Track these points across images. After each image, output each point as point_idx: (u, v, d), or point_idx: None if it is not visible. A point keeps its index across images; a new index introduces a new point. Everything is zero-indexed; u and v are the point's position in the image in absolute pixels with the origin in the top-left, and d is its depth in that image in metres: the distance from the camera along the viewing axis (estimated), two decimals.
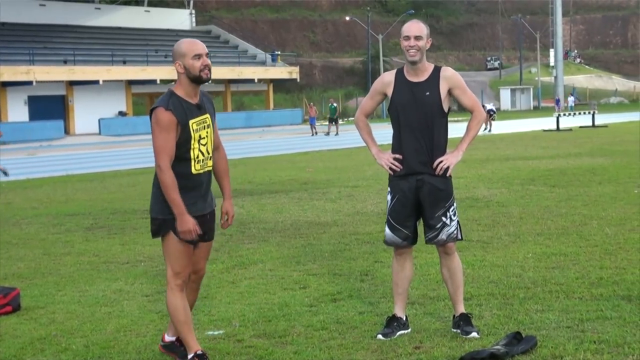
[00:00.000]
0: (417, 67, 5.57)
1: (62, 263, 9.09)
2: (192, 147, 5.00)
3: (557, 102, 73.82)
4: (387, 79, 5.71)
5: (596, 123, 40.13)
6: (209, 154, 5.12)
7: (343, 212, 12.11)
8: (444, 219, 5.59)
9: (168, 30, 64.69)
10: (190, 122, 4.98)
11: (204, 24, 74.85)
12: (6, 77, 47.73)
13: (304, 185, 16.51)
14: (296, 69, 67.28)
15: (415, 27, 5.55)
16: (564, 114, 43.16)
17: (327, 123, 46.78)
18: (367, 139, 5.86)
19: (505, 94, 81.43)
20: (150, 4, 66.85)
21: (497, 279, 7.18)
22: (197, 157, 5.04)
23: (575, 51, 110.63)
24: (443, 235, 5.60)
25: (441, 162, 5.55)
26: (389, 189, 5.74)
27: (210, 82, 5.16)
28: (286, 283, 7.46)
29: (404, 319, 5.74)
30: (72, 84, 52.48)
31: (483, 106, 41.88)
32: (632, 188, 13.41)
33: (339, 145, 31.74)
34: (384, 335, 5.58)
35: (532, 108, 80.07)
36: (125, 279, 8.01)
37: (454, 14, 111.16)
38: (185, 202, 4.97)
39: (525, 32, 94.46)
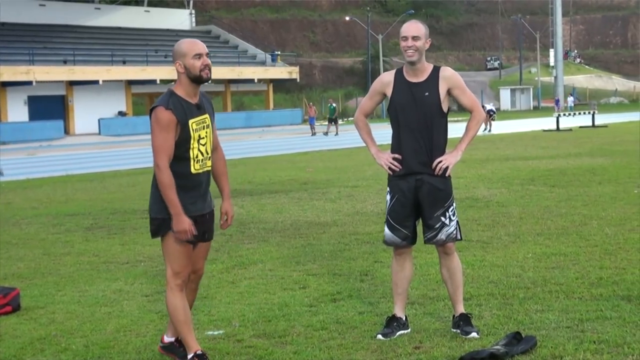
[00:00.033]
0: (416, 67, 5.56)
1: (62, 263, 9.09)
2: (191, 146, 5.00)
3: (557, 102, 73.83)
4: (386, 79, 5.71)
5: (596, 123, 40.13)
6: (208, 154, 5.13)
7: (343, 212, 12.11)
8: (443, 219, 5.59)
9: (168, 30, 64.69)
10: (190, 121, 4.99)
11: (203, 24, 74.86)
12: (6, 77, 47.73)
13: (303, 185, 16.51)
14: (296, 69, 67.29)
15: (413, 28, 5.55)
16: (564, 114, 43.16)
17: (326, 123, 46.76)
18: (367, 139, 5.86)
19: (505, 94, 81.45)
20: (150, 4, 66.86)
21: (497, 279, 7.18)
22: (197, 156, 5.04)
23: (575, 51, 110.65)
24: (442, 236, 5.60)
25: (440, 162, 5.55)
26: (388, 188, 5.74)
27: (210, 82, 5.17)
28: (286, 283, 7.46)
29: (404, 319, 5.74)
30: (72, 84, 52.49)
31: (483, 107, 41.92)
32: (632, 188, 13.41)
33: (339, 145, 31.73)
34: (383, 335, 5.58)
35: (532, 108, 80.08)
36: (125, 279, 8.02)
37: (453, 14, 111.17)
38: (185, 202, 4.98)
39: (525, 32, 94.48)
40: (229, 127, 53.43)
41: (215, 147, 5.25)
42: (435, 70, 5.61)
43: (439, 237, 5.60)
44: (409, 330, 5.71)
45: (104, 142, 44.78)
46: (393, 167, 5.62)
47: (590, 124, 40.07)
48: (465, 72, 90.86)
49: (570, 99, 74.57)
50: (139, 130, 48.92)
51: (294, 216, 11.97)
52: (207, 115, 5.11)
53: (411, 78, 5.60)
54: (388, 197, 5.72)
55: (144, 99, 60.07)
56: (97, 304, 7.01)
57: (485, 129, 39.34)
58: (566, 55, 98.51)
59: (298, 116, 63.41)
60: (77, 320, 6.50)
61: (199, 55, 4.98)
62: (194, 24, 69.38)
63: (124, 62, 55.16)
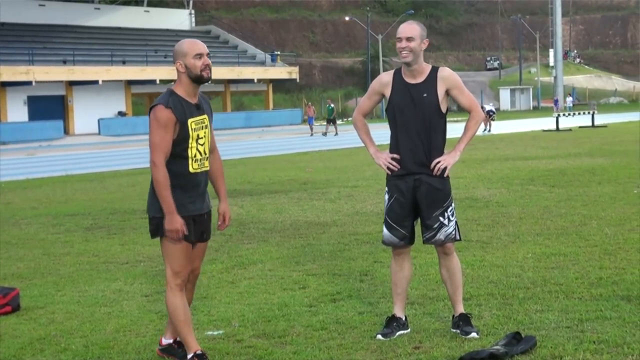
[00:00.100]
0: (413, 68, 5.56)
1: (61, 263, 9.09)
2: (189, 145, 5.02)
3: (556, 102, 73.83)
4: (385, 79, 5.71)
5: (596, 123, 40.15)
6: (206, 154, 5.14)
7: (342, 212, 12.12)
8: (441, 219, 5.59)
9: (167, 30, 64.70)
10: (189, 121, 5.00)
11: (203, 24, 74.88)
12: (5, 77, 47.73)
13: (303, 186, 16.51)
14: (296, 69, 67.31)
15: (407, 28, 5.55)
16: (564, 114, 43.16)
17: (325, 124, 46.73)
18: (365, 139, 5.86)
19: (504, 94, 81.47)
20: (149, 4, 66.86)
21: (497, 279, 7.18)
22: (195, 156, 5.05)
23: (575, 51, 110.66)
24: (441, 236, 5.60)
25: (439, 162, 5.55)
26: (386, 188, 5.74)
27: (210, 82, 5.18)
28: (286, 283, 7.46)
29: (404, 319, 5.74)
30: (71, 84, 52.50)
31: (482, 107, 42.00)
32: (632, 188, 13.41)
33: (339, 146, 31.73)
34: (383, 335, 5.58)
35: (531, 108, 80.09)
36: (124, 279, 8.01)
37: (453, 14, 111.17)
38: (184, 201, 5.00)
39: (525, 32, 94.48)
40: (228, 127, 53.44)
41: (212, 149, 5.26)
42: (434, 71, 5.61)
43: (437, 237, 5.60)
44: (409, 330, 5.71)
45: (104, 142, 44.79)
46: (392, 167, 5.62)
47: (589, 124, 40.09)
48: (465, 72, 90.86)
49: (570, 99, 74.58)
50: (138, 131, 48.90)
51: (293, 216, 11.97)
52: (205, 116, 5.13)
53: (409, 79, 5.60)
54: (386, 197, 5.72)
55: (144, 99, 60.08)
56: (96, 304, 7.01)
57: (485, 129, 39.36)
58: (566, 55, 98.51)
59: (298, 116, 63.42)
60: (77, 320, 6.49)
61: (199, 55, 5.00)
62: (193, 24, 69.39)
63: (124, 62, 55.17)
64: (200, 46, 5.02)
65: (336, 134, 43.05)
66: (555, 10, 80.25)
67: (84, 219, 12.78)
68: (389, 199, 5.68)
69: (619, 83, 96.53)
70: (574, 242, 8.84)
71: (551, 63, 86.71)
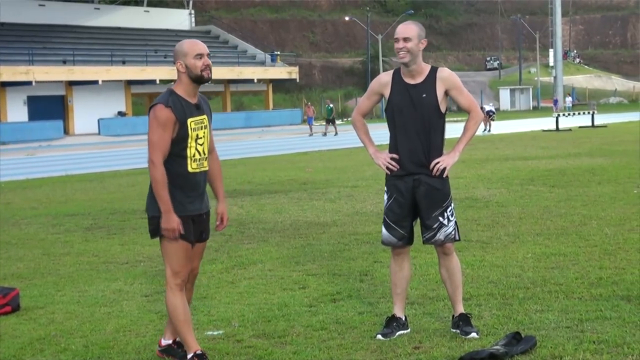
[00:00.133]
0: (412, 68, 5.56)
1: (61, 263, 9.09)
2: (188, 145, 5.03)
3: (555, 102, 73.84)
4: (384, 79, 5.71)
5: (595, 123, 40.14)
6: (205, 154, 5.15)
7: (342, 212, 12.12)
8: (441, 219, 5.58)
9: (167, 30, 64.70)
10: (189, 120, 5.02)
11: (203, 24, 74.89)
12: (5, 77, 47.74)
13: (303, 186, 16.51)
14: (295, 69, 67.30)
15: (404, 29, 5.55)
16: (564, 114, 43.17)
17: (324, 124, 46.73)
18: (364, 139, 5.86)
19: (504, 94, 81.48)
20: (149, 4, 66.87)
21: (497, 279, 7.18)
22: (194, 155, 5.06)
23: (575, 51, 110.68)
24: (440, 236, 5.60)
25: (438, 163, 5.55)
26: (385, 188, 5.75)
27: (210, 82, 5.19)
28: (285, 283, 7.46)
29: (404, 319, 5.74)
30: (71, 84, 52.50)
31: (482, 108, 42.05)
32: (632, 188, 13.41)
33: (339, 146, 31.73)
34: (383, 335, 5.58)
35: (531, 108, 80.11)
36: (124, 279, 8.02)
37: (453, 14, 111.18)
38: (183, 201, 5.02)
39: (525, 32, 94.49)
40: (228, 127, 53.46)
41: (211, 150, 5.27)
42: (433, 71, 5.60)
43: (437, 237, 5.60)
44: (409, 330, 5.71)
45: (104, 142, 44.79)
46: (391, 167, 5.62)
47: (589, 124, 40.09)
48: (464, 72, 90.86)
49: (569, 99, 74.59)
50: (138, 131, 48.88)
51: (293, 216, 11.97)
52: (205, 116, 5.14)
53: (408, 79, 5.59)
54: (385, 197, 5.73)
55: (144, 99, 60.08)
56: (96, 304, 7.01)
57: (485, 129, 39.38)
58: (565, 55, 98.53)
59: (297, 116, 63.42)
60: (77, 320, 6.50)
61: (200, 56, 5.01)
62: (193, 24, 69.40)
63: (124, 62, 55.18)
64: (201, 46, 5.04)
65: (336, 134, 43.04)
66: (555, 10, 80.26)
67: (84, 219, 12.78)
68: (388, 199, 5.68)
69: (618, 83, 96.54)
70: (574, 242, 8.84)
71: (551, 63, 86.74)
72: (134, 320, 6.41)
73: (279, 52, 72.33)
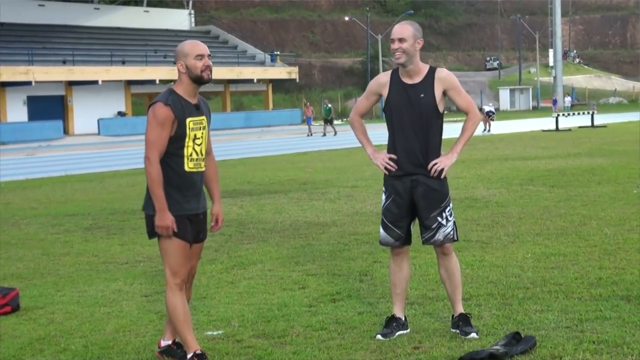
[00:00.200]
0: (409, 68, 5.56)
1: (61, 263, 9.09)
2: (186, 144, 5.05)
3: (554, 102, 73.84)
4: (382, 79, 5.71)
5: (595, 123, 40.14)
6: (202, 155, 5.16)
7: (342, 213, 12.12)
8: (439, 219, 5.58)
9: (167, 30, 64.72)
10: (188, 120, 5.04)
11: (203, 24, 74.91)
12: (5, 77, 47.75)
13: (303, 186, 16.51)
14: (295, 69, 67.32)
15: (399, 30, 5.54)
16: (563, 114, 43.17)
17: (322, 124, 46.72)
18: (362, 139, 5.86)
19: (504, 94, 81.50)
20: (149, 4, 66.89)
21: (496, 279, 7.18)
22: (191, 155, 5.08)
23: (575, 51, 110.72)
24: (439, 236, 5.60)
25: (436, 164, 5.55)
26: (383, 188, 5.75)
27: (210, 83, 5.21)
28: (285, 283, 7.46)
29: (403, 319, 5.74)
30: (71, 84, 52.51)
31: (482, 108, 41.99)
32: (631, 188, 13.41)
33: (338, 146, 31.74)
34: (383, 335, 5.58)
35: (531, 108, 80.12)
36: (124, 279, 8.02)
37: (453, 14, 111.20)
38: (180, 200, 5.04)
39: (525, 32, 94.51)
40: (228, 127, 53.48)
41: (208, 152, 5.29)
42: (431, 72, 5.60)
43: (436, 237, 5.60)
44: (409, 330, 5.71)
45: (103, 142, 44.78)
46: (389, 167, 5.62)
47: (589, 124, 40.08)
48: (464, 72, 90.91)
49: (568, 99, 74.59)
50: (138, 131, 48.87)
51: (293, 216, 11.97)
52: (204, 117, 5.16)
53: (406, 79, 5.59)
54: (383, 197, 5.73)
55: (144, 99, 60.09)
56: (96, 304, 7.01)
57: (484, 130, 39.39)
58: (565, 55, 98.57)
59: (297, 116, 63.44)
60: (77, 320, 6.50)
61: (200, 56, 5.03)
62: (193, 24, 69.41)
63: (123, 62, 55.18)
64: (202, 47, 5.07)
65: (335, 133, 43.05)
66: (554, 10, 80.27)
67: (84, 219, 12.78)
68: (386, 199, 5.69)
69: (618, 83, 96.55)
70: (574, 242, 8.84)
71: (551, 63, 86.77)
72: (134, 320, 6.41)
73: (278, 52, 72.34)
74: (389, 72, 5.71)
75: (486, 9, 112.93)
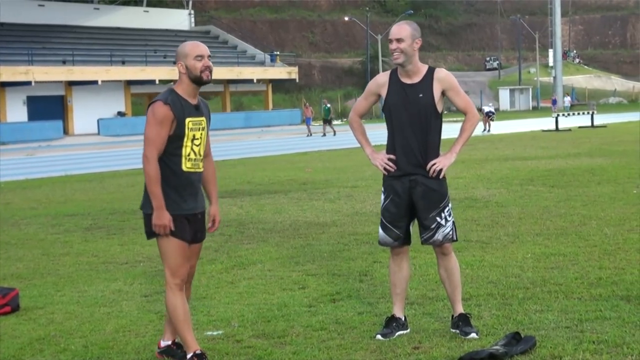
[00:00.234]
0: (408, 68, 5.56)
1: (61, 263, 9.09)
2: (184, 144, 5.06)
3: (554, 102, 73.83)
4: (381, 80, 5.71)
5: (595, 123, 40.13)
6: (200, 156, 5.18)
7: (342, 213, 12.12)
8: (438, 219, 5.58)
9: (167, 30, 64.72)
10: (187, 119, 5.05)
11: (202, 24, 74.91)
12: (5, 78, 47.75)
13: (303, 186, 16.51)
14: (295, 69, 67.32)
15: (397, 30, 5.55)
16: (563, 114, 43.17)
17: (321, 124, 46.73)
18: (361, 139, 5.86)
19: (504, 94, 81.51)
20: (149, 4, 66.89)
21: (496, 279, 7.18)
22: (189, 155, 5.09)
23: (574, 51, 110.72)
24: (439, 236, 5.60)
25: (434, 164, 5.55)
26: (382, 188, 5.75)
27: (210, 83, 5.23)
28: (285, 283, 7.46)
29: (403, 319, 5.74)
30: (71, 84, 52.51)
31: (482, 109, 41.95)
32: (631, 188, 13.41)
33: (338, 146, 31.75)
34: (383, 335, 5.58)
35: (531, 108, 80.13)
36: (124, 280, 8.01)
37: (452, 14, 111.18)
38: (177, 199, 5.06)
39: (524, 33, 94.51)
40: (228, 128, 53.47)
41: (207, 154, 5.29)
42: (430, 72, 5.60)
43: (435, 237, 5.60)
44: (408, 330, 5.71)
45: (103, 142, 44.79)
46: (388, 167, 5.62)
47: (589, 124, 40.08)
48: (464, 73, 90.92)
49: (567, 98, 74.58)
50: (138, 131, 48.83)
51: (293, 216, 11.97)
52: (203, 118, 5.18)
53: (405, 79, 5.60)
54: (382, 197, 5.74)
55: (143, 99, 60.08)
56: (96, 305, 7.01)
57: (484, 130, 39.40)
58: (565, 55, 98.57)
59: (297, 116, 63.45)
60: (76, 320, 6.49)
61: (200, 57, 5.05)
62: (193, 24, 69.42)
63: (123, 63, 55.19)
64: (202, 48, 5.09)
65: (334, 134, 43.08)
66: (554, 10, 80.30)
67: (84, 219, 12.78)
68: (385, 199, 5.69)
69: (618, 83, 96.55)
70: (574, 242, 8.84)
71: (550, 63, 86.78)
72: (134, 320, 6.41)
73: (278, 52, 72.34)
74: (387, 72, 5.71)
75: (486, 9, 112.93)
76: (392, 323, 5.67)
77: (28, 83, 48.85)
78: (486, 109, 41.99)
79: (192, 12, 69.96)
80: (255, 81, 63.47)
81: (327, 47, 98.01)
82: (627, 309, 6.00)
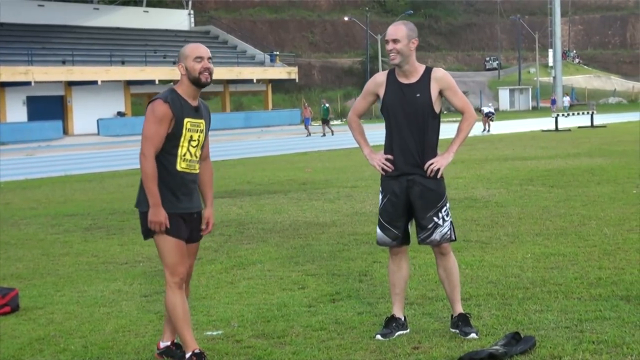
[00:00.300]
0: (405, 69, 5.56)
1: (60, 263, 9.09)
2: (180, 144, 5.07)
3: (553, 102, 73.84)
4: (379, 79, 5.71)
5: (595, 123, 40.13)
6: (197, 157, 5.19)
7: (342, 213, 12.12)
8: (435, 219, 5.58)
9: (167, 30, 64.71)
10: (185, 119, 5.07)
11: (202, 24, 74.91)
12: (5, 78, 47.74)
13: (302, 186, 16.51)
14: (295, 69, 67.32)
15: (393, 30, 5.55)
16: (563, 115, 43.17)
17: (320, 124, 46.74)
18: (360, 139, 5.87)
19: (504, 94, 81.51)
20: (148, 4, 66.88)
21: (496, 279, 7.18)
22: (184, 155, 5.10)
23: (574, 51, 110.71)
24: (436, 236, 5.60)
25: (432, 164, 5.55)
26: (380, 188, 5.76)
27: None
28: (285, 283, 7.46)
29: (403, 319, 5.74)
30: (70, 84, 52.50)
31: (481, 109, 41.94)
32: (631, 188, 13.41)
33: (338, 146, 31.76)
34: (382, 335, 5.58)
35: (530, 108, 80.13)
36: (123, 280, 8.01)
37: (452, 14, 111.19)
38: (171, 198, 5.07)
39: (524, 33, 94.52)
40: (227, 128, 53.45)
41: (205, 157, 5.31)
42: (427, 72, 5.60)
43: (432, 237, 5.60)
44: (408, 330, 5.71)
45: (103, 142, 44.78)
46: (385, 167, 5.62)
47: (589, 124, 40.09)
48: (464, 73, 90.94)
49: (566, 98, 74.57)
50: (137, 131, 48.68)
51: (292, 216, 11.96)
52: (203, 121, 5.20)
53: (402, 79, 5.60)
54: (380, 197, 5.74)
55: (143, 99, 60.07)
56: (95, 305, 7.01)
57: (484, 130, 39.40)
58: (565, 55, 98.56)
59: (297, 116, 63.43)
60: (76, 320, 6.49)
61: (200, 59, 5.08)
62: (192, 24, 69.41)
63: (123, 63, 55.18)
64: (202, 50, 5.11)
65: (332, 133, 43.15)
66: (554, 11, 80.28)
67: (83, 219, 12.77)
68: (382, 199, 5.69)
69: (618, 83, 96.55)
70: (573, 242, 8.84)
71: (550, 63, 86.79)
72: (133, 320, 6.41)
73: (278, 52, 72.33)
74: (385, 72, 5.72)
75: (486, 9, 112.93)
76: (391, 323, 5.67)
77: (28, 83, 48.85)
78: (486, 109, 41.99)
79: (192, 12, 69.94)
80: (255, 81, 63.46)
81: (327, 47, 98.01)
82: (626, 309, 6.00)
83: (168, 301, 5.12)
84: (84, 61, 52.98)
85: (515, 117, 60.24)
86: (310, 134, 44.50)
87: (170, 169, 5.08)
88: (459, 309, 5.69)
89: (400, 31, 5.52)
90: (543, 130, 37.64)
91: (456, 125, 5.76)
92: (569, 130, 36.80)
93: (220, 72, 55.68)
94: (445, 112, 5.97)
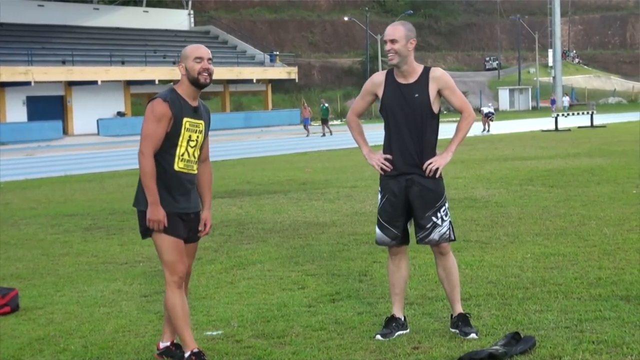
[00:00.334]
0: (403, 69, 5.56)
1: (60, 263, 9.09)
2: (179, 143, 5.08)
3: (553, 102, 73.85)
4: (377, 79, 5.71)
5: (595, 123, 40.14)
6: (195, 158, 5.19)
7: (341, 213, 12.12)
8: (434, 219, 5.58)
9: (166, 30, 64.71)
10: (184, 119, 5.08)
11: (202, 24, 74.92)
12: (5, 78, 47.74)
13: (302, 186, 16.51)
14: (294, 69, 67.32)
15: (391, 31, 5.55)
16: (563, 115, 43.18)
17: (320, 124, 46.75)
18: (359, 139, 5.87)
19: (503, 94, 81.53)
20: (148, 4, 66.89)
21: (496, 279, 7.18)
22: (182, 155, 5.11)
23: (574, 51, 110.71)
24: (435, 236, 5.59)
25: (430, 163, 5.55)
26: (379, 188, 5.76)
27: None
28: (285, 283, 7.46)
29: (403, 319, 5.74)
30: (70, 84, 52.50)
31: (481, 109, 41.92)
32: (631, 188, 13.41)
33: (338, 146, 31.76)
34: (382, 335, 5.58)
35: (530, 108, 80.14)
36: (123, 280, 8.01)
37: (452, 14, 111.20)
38: (168, 198, 5.09)
39: (524, 33, 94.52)
40: (227, 128, 53.45)
41: (205, 159, 5.31)
42: (426, 71, 5.60)
43: (431, 237, 5.60)
44: (408, 330, 5.71)
45: (103, 142, 44.78)
46: (384, 167, 5.63)
47: (588, 124, 40.09)
48: (463, 73, 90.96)
49: (566, 98, 74.57)
50: (137, 131, 47.82)
51: (292, 216, 11.96)
52: (202, 122, 5.21)
53: (401, 79, 5.59)
54: (379, 196, 5.74)
55: (143, 100, 60.06)
56: (95, 305, 7.01)
57: (484, 130, 39.41)
58: (565, 55, 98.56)
59: (297, 116, 63.42)
60: (76, 320, 6.49)
61: (199, 59, 5.09)
62: (192, 25, 69.42)
63: (123, 63, 55.18)
64: (202, 51, 5.13)
65: (331, 133, 43.21)
66: (554, 11, 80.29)
67: (83, 219, 12.77)
68: (382, 199, 5.69)
69: (617, 83, 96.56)
70: (573, 242, 8.84)
71: (550, 63, 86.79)
72: (133, 320, 6.41)
73: (278, 53, 72.34)
74: (384, 72, 5.71)
75: (485, 9, 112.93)
76: (391, 323, 5.67)
77: (28, 83, 48.86)
78: (485, 109, 42.00)
79: (192, 12, 69.95)
80: (254, 81, 63.46)
81: (327, 47, 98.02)
82: (626, 309, 6.00)
83: (167, 300, 5.13)
84: (84, 61, 52.99)
85: (515, 117, 60.25)
86: (309, 134, 44.51)
87: (168, 168, 5.08)
88: (459, 309, 5.69)
89: (398, 31, 5.52)
90: (543, 130, 37.64)
91: (455, 125, 5.76)
92: (569, 130, 36.81)
93: (220, 72, 55.67)
94: (444, 112, 5.95)
